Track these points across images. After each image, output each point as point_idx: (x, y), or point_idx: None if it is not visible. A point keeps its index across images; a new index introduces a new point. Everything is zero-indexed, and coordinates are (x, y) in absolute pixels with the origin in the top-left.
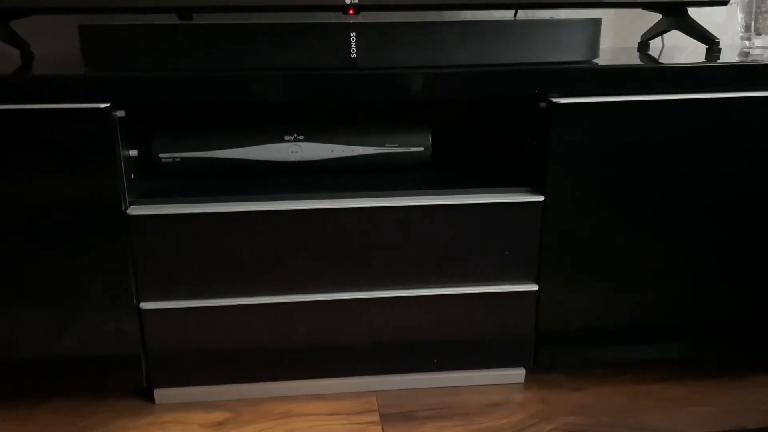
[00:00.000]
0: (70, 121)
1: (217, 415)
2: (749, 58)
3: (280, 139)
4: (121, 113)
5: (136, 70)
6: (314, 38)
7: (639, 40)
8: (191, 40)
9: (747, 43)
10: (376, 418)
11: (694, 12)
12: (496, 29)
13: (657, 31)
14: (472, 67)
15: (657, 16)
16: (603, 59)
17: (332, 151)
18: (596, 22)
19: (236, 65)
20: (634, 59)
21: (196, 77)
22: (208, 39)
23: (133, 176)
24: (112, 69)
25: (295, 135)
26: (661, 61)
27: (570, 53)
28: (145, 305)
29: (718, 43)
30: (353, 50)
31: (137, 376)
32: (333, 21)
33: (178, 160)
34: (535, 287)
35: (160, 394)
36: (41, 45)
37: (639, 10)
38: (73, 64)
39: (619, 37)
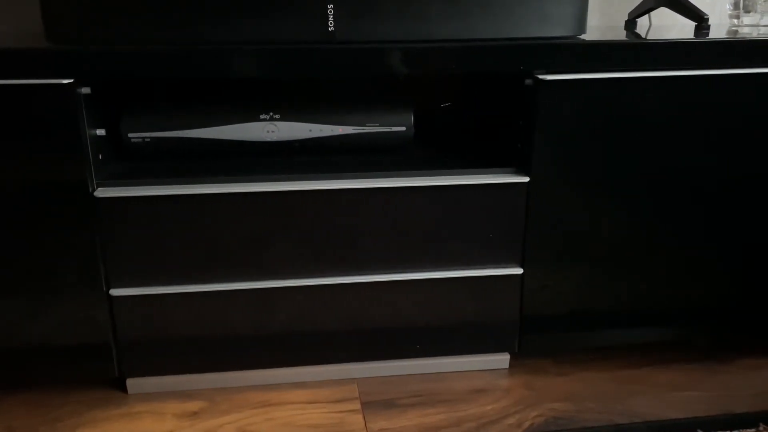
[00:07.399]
0: (31, 99)
1: (193, 405)
2: (738, 36)
3: (255, 118)
4: (86, 90)
5: (101, 44)
6: (290, 10)
7: (626, 19)
8: (160, 11)
9: (735, 21)
10: (357, 406)
11: None
12: (481, 2)
13: (645, 9)
14: (456, 41)
15: None
16: (590, 36)
17: (310, 130)
18: None
19: (208, 38)
20: (622, 36)
21: (165, 51)
22: (177, 10)
23: (100, 157)
24: (75, 42)
25: (271, 114)
26: (649, 38)
27: (557, 28)
28: (115, 292)
29: (707, 19)
30: (331, 23)
31: (108, 365)
32: None
33: (149, 140)
34: (519, 271)
35: (133, 384)
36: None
37: None
38: (37, 38)
39: (605, 16)
